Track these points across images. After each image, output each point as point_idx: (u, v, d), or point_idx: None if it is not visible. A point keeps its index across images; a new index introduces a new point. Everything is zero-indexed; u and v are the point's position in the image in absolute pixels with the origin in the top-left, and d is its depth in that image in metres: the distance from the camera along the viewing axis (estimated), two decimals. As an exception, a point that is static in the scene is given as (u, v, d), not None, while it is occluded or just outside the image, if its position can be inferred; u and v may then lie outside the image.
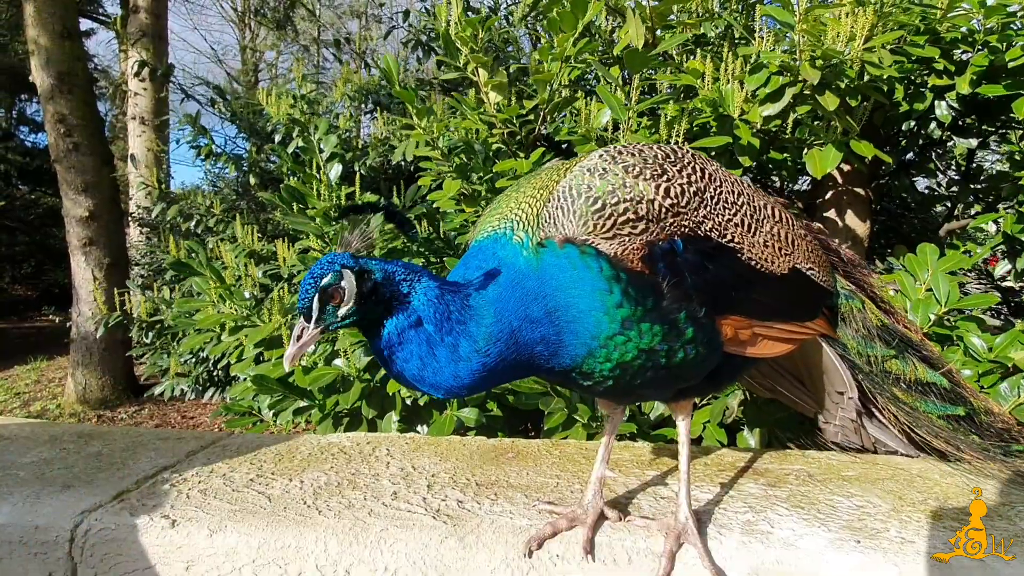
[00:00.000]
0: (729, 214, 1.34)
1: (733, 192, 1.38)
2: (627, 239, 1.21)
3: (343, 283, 1.18)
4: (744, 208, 1.38)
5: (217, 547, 1.45)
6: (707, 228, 1.29)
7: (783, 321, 1.46)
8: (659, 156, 1.32)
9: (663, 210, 1.24)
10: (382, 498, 1.60)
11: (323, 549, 1.42)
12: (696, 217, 1.28)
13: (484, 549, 1.38)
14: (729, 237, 1.33)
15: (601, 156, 1.30)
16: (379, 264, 1.23)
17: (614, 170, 1.26)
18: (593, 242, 1.21)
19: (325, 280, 1.18)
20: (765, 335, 1.42)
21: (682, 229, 1.26)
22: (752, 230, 1.38)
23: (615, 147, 1.34)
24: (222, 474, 1.77)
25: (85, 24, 11.92)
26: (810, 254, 1.55)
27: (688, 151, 1.39)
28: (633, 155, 1.30)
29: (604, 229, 1.21)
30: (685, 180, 1.30)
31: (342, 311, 1.19)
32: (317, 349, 2.93)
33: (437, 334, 1.19)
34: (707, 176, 1.35)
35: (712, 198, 1.32)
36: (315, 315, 1.18)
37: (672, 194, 1.26)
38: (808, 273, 1.52)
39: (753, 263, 1.36)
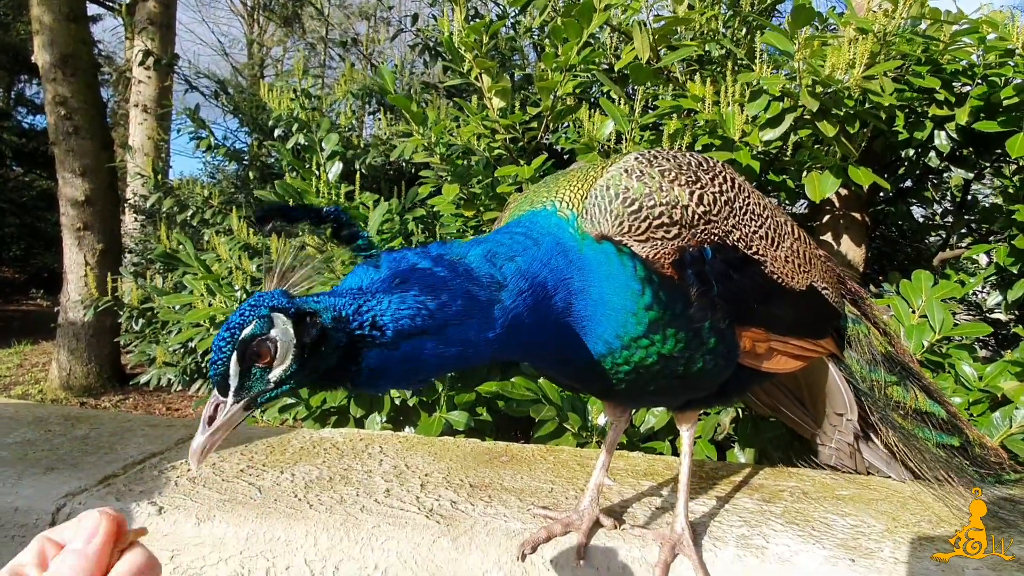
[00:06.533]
0: (755, 226, 1.35)
1: (759, 205, 1.39)
2: (660, 243, 1.20)
3: (274, 333, 0.87)
4: (768, 222, 1.39)
5: (204, 536, 1.42)
6: (735, 238, 1.30)
7: (798, 337, 1.47)
8: (693, 164, 1.32)
9: (696, 217, 1.24)
10: (374, 495, 1.58)
11: (312, 544, 1.40)
12: (726, 226, 1.28)
13: (477, 551, 1.36)
14: (755, 249, 1.33)
15: (638, 159, 1.29)
16: (328, 300, 0.94)
17: (651, 173, 1.25)
18: (627, 242, 1.19)
19: (247, 331, 0.87)
20: (780, 350, 1.42)
21: (712, 237, 1.25)
22: (775, 244, 1.39)
23: (651, 151, 1.34)
24: (212, 463, 1.74)
25: (93, 9, 11.87)
26: (824, 274, 1.57)
27: (719, 162, 1.39)
28: (669, 160, 1.30)
29: (639, 231, 1.19)
30: (717, 189, 1.30)
31: (275, 373, 0.88)
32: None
33: (458, 319, 1.00)
34: (737, 187, 1.36)
35: (740, 209, 1.33)
36: (234, 384, 0.88)
37: (705, 201, 1.26)
38: (823, 292, 1.54)
39: (775, 277, 1.37)
